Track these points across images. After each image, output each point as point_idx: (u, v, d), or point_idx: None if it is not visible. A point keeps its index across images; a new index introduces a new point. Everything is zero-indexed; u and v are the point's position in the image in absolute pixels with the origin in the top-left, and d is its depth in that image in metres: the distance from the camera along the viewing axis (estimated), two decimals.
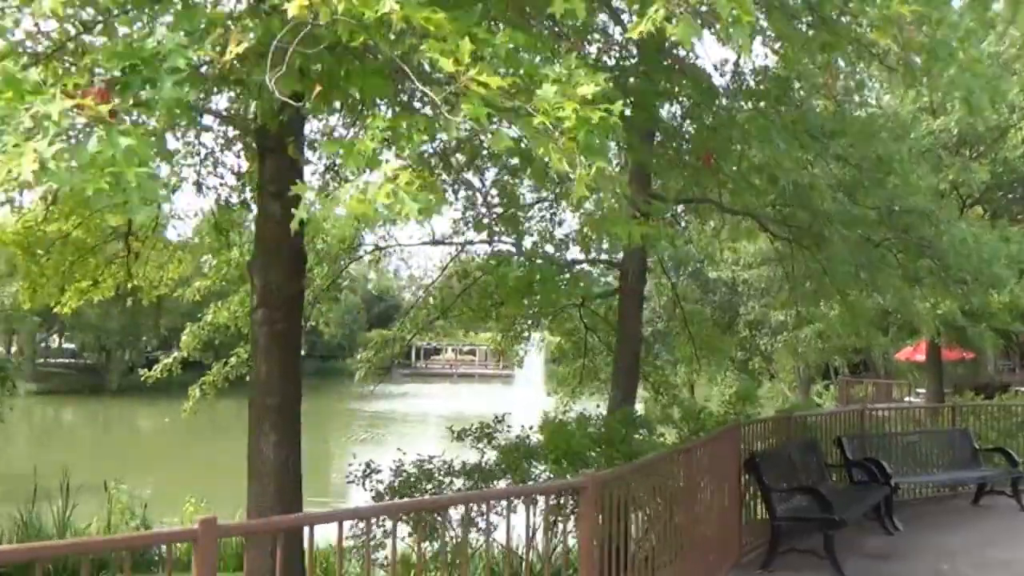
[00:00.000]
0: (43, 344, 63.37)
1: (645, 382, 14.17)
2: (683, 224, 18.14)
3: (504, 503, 4.19)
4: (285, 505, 6.44)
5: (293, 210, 2.90)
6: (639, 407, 13.50)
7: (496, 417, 8.95)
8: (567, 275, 9.23)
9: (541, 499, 5.16)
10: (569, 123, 2.67)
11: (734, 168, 7.42)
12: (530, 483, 7.03)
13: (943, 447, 10.34)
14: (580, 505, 3.97)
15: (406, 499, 6.48)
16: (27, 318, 42.27)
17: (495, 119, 2.82)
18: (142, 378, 12.10)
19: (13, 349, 62.22)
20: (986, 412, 11.84)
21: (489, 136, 2.80)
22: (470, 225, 12.35)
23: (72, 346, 64.95)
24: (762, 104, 8.65)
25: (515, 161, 5.64)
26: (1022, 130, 18.86)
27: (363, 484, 7.65)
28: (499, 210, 8.16)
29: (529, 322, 14.20)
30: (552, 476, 6.87)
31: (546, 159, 2.90)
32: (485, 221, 6.92)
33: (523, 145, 3.23)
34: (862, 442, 9.69)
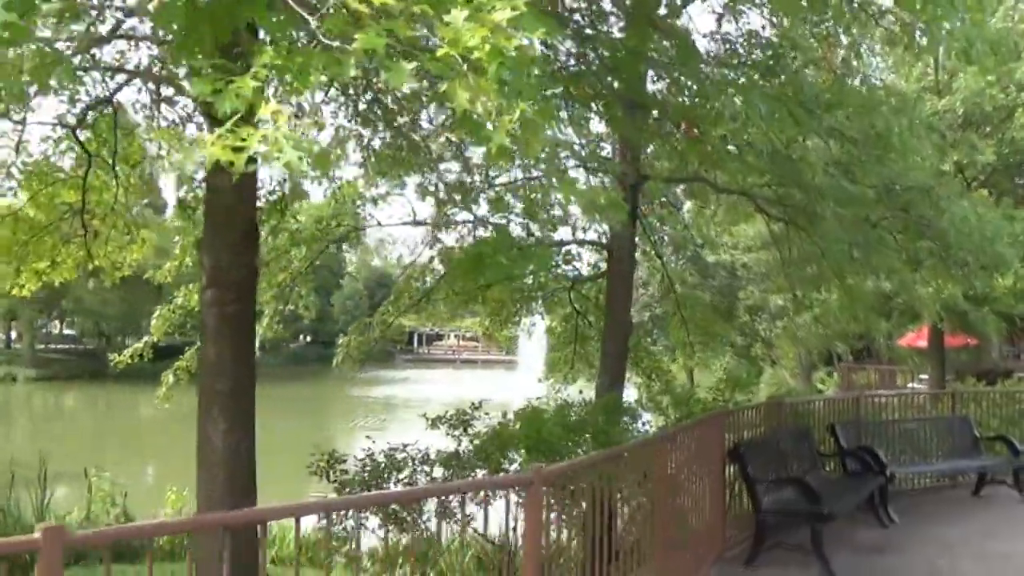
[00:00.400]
0: (44, 330, 63.26)
1: (637, 368, 13.77)
2: (679, 206, 17.75)
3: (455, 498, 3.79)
4: (236, 497, 6.05)
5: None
6: (632, 393, 13.13)
7: (473, 404, 8.56)
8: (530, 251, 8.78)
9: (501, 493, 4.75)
10: (479, 53, 2.24)
11: (718, 138, 6.93)
12: (475, 477, 6.66)
13: (942, 435, 9.91)
14: (525, 501, 3.57)
15: (335, 497, 6.03)
16: None
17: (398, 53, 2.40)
18: (111, 364, 11.75)
19: (13, 335, 62.18)
20: (988, 399, 11.39)
21: (388, 73, 2.36)
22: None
23: (73, 332, 64.88)
24: (755, 76, 8.22)
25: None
26: None
27: (326, 476, 7.23)
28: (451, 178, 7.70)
29: (518, 306, 13.80)
30: (520, 468, 6.50)
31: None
32: (432, 189, 6.48)
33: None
34: (857, 430, 9.28)
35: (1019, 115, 18.76)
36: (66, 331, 66.67)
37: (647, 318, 22.97)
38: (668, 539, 5.75)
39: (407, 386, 51.84)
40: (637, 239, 14.77)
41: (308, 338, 74.56)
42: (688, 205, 19.45)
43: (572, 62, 7.98)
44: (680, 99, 6.87)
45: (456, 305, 12.71)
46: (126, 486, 13.60)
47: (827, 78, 9.82)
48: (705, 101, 6.04)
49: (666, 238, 29.12)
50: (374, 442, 7.85)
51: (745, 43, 8.09)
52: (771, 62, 8.10)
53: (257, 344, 12.11)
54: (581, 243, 12.07)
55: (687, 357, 14.66)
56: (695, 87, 6.30)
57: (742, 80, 6.53)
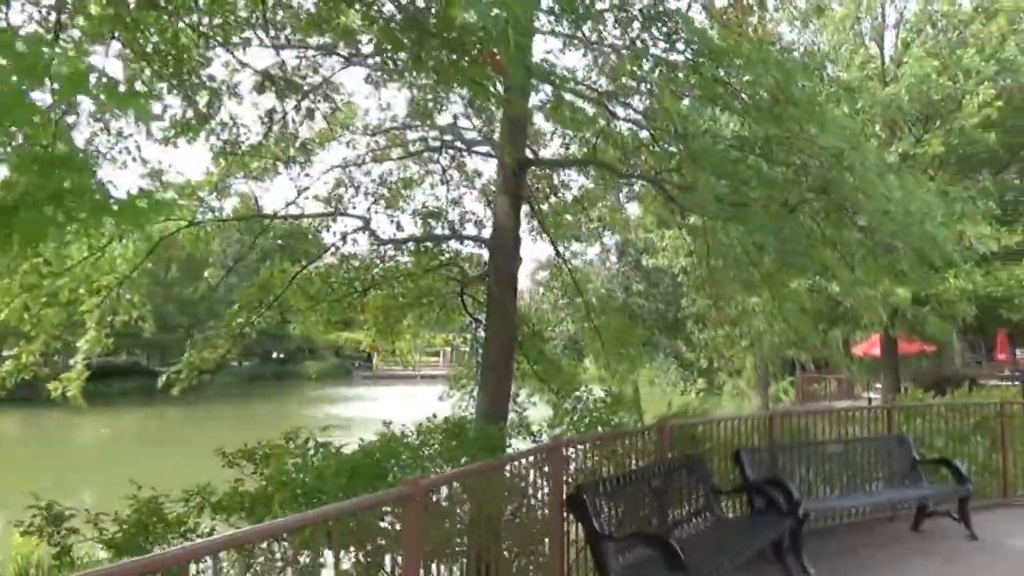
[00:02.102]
0: None
1: (543, 384, 12.07)
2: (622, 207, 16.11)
3: None
4: None
5: None
6: (543, 411, 11.47)
7: (287, 435, 6.82)
8: None
9: None
10: None
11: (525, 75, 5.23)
12: None
13: (876, 459, 8.30)
14: None
15: None
16: None
17: None
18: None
19: None
20: (934, 413, 9.73)
21: None
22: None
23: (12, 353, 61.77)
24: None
25: None
26: (979, 95, 17.00)
27: (48, 538, 5.42)
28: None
29: (408, 315, 12.08)
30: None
31: None
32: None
33: None
34: (771, 456, 7.63)
35: (967, 101, 17.44)
36: (6, 352, 63.59)
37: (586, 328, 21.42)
38: None
39: (359, 404, 49.78)
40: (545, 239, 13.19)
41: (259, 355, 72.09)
42: (635, 208, 17.90)
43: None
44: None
45: (328, 313, 10.93)
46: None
47: (732, 37, 8.26)
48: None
49: (612, 245, 27.63)
50: (139, 488, 6.09)
51: None
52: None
53: (82, 360, 10.38)
54: (458, 238, 10.40)
55: (602, 369, 13.02)
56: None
57: None
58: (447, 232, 10.35)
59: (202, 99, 7.30)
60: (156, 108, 8.06)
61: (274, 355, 76.22)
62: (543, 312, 25.75)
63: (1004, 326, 25.64)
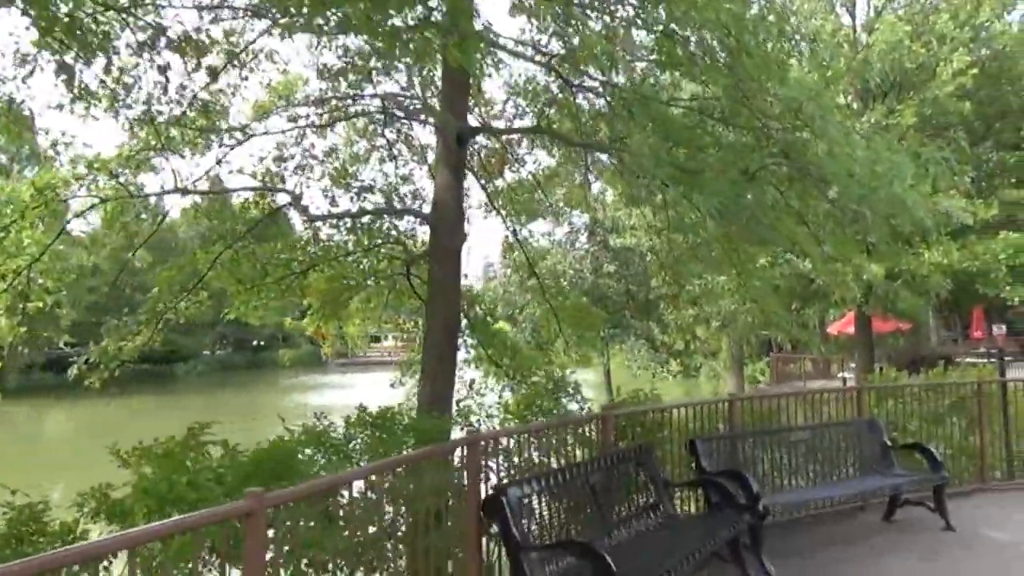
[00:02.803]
0: None
1: (498, 368, 11.39)
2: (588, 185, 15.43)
3: None
4: None
5: None
6: (497, 397, 10.81)
7: (193, 429, 6.10)
8: None
9: None
10: None
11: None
12: None
13: (845, 445, 7.70)
14: None
15: None
16: None
17: None
18: None
19: None
20: (907, 394, 9.13)
21: None
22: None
23: None
24: None
25: None
26: (953, 63, 16.39)
27: None
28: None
29: (355, 298, 11.35)
30: None
31: None
32: None
33: None
34: (731, 445, 7.00)
35: (941, 71, 16.82)
36: None
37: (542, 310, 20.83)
38: None
39: (333, 391, 49.01)
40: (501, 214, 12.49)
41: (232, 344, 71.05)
42: (599, 185, 17.24)
43: None
44: None
45: (265, 297, 10.14)
46: None
47: None
48: None
49: (581, 225, 26.90)
50: (14, 493, 5.35)
51: None
52: None
53: None
54: (396, 213, 9.65)
55: (559, 352, 12.39)
56: None
57: None
58: (384, 207, 9.60)
59: (97, 62, 6.52)
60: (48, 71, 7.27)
61: (253, 343, 75.30)
62: (511, 295, 25.11)
63: (980, 302, 25.28)
